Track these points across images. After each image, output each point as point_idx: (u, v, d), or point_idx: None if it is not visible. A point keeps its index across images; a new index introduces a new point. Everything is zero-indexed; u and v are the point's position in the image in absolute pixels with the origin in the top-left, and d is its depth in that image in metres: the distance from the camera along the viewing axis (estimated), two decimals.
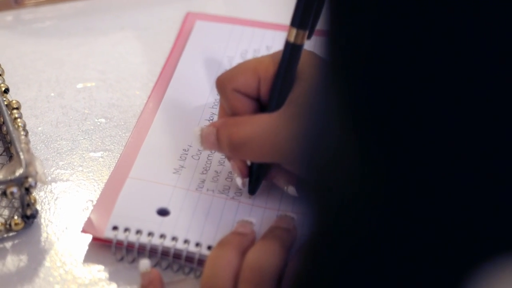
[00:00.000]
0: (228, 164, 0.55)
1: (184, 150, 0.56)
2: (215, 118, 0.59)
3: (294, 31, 0.48)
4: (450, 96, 0.24)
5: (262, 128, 0.48)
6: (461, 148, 0.24)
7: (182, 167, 0.55)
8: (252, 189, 0.52)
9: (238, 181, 0.52)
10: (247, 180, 0.52)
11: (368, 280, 0.28)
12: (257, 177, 0.52)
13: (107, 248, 0.50)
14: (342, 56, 0.26)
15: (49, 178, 0.55)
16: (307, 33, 0.48)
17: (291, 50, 0.48)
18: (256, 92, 0.50)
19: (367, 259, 0.27)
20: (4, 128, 0.54)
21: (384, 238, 0.26)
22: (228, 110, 0.50)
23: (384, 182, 0.26)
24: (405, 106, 0.25)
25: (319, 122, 0.29)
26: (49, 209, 0.52)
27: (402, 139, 0.25)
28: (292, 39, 0.48)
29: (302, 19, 0.48)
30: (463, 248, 0.25)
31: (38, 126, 0.59)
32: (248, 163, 0.52)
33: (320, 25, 0.45)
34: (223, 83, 0.50)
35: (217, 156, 0.56)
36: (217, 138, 0.49)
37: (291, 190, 0.51)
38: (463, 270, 0.25)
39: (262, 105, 0.50)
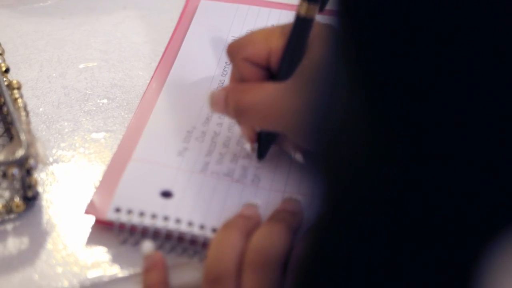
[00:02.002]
0: (232, 147, 0.54)
1: (188, 131, 0.55)
2: None
3: (305, 4, 0.47)
4: (461, 60, 0.23)
5: (268, 96, 0.49)
6: (476, 112, 0.23)
7: (186, 149, 0.54)
8: (261, 154, 0.53)
9: (247, 146, 0.53)
10: (256, 145, 0.53)
11: (380, 262, 0.27)
12: (265, 142, 0.52)
13: (109, 230, 0.49)
14: (352, 24, 0.25)
15: (51, 159, 0.54)
16: (318, 6, 0.48)
17: (302, 23, 0.48)
18: (266, 62, 0.50)
19: (379, 238, 0.26)
20: (5, 109, 0.53)
21: (397, 216, 0.26)
22: (238, 77, 0.51)
23: (396, 152, 0.25)
24: (415, 73, 0.24)
25: (327, 94, 0.28)
26: (51, 190, 0.52)
27: (414, 106, 0.24)
28: (303, 12, 0.48)
29: None
30: (479, 221, 0.24)
31: (40, 107, 0.58)
32: (257, 128, 0.52)
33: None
34: (234, 51, 0.51)
35: (222, 138, 0.55)
36: (226, 103, 0.50)
37: (298, 157, 0.52)
38: (480, 243, 0.24)
39: (272, 74, 0.50)
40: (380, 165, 0.25)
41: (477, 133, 0.23)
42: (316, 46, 0.48)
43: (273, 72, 0.50)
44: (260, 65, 0.50)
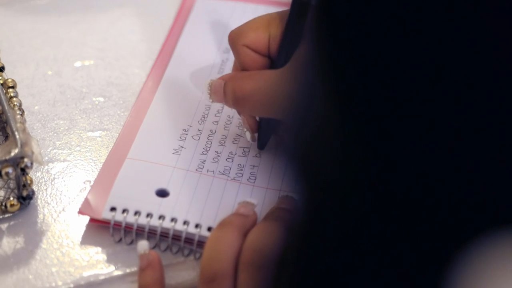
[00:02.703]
0: (228, 145, 0.54)
1: (184, 130, 0.55)
2: None
3: None
4: (434, 72, 0.23)
5: (264, 83, 0.48)
6: (447, 122, 0.23)
7: (182, 147, 0.53)
8: (261, 144, 0.53)
9: (247, 135, 0.53)
10: (256, 134, 0.53)
11: (358, 260, 0.27)
12: (266, 131, 0.52)
13: (105, 230, 0.48)
14: (327, 37, 0.25)
15: (46, 158, 0.54)
16: None
17: (298, 7, 0.47)
18: (266, 48, 0.50)
19: (355, 239, 0.26)
20: (0, 108, 0.53)
21: (371, 219, 0.25)
22: (239, 65, 0.51)
23: (368, 161, 0.25)
24: (390, 87, 0.24)
25: (307, 92, 0.28)
26: (46, 190, 0.51)
27: (387, 119, 0.24)
28: None
29: None
30: (455, 223, 0.24)
31: (35, 105, 0.58)
32: (257, 118, 0.52)
33: None
34: (234, 38, 0.51)
35: (218, 136, 0.55)
36: (224, 92, 0.50)
37: None
38: (456, 245, 0.24)
39: (273, 62, 0.50)
40: (352, 178, 0.25)
41: (450, 141, 0.23)
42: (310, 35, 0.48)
43: (273, 60, 0.50)
44: (260, 52, 0.50)
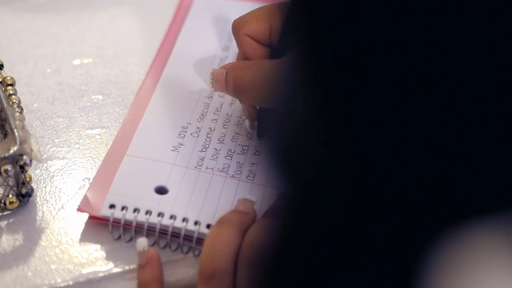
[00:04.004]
0: (227, 142, 0.54)
1: (183, 127, 0.55)
2: (215, 95, 0.58)
3: None
4: (412, 67, 0.23)
5: (262, 74, 0.49)
6: (423, 117, 0.23)
7: (181, 144, 0.53)
8: (261, 132, 0.54)
9: (247, 123, 0.54)
10: (256, 123, 0.54)
11: (339, 260, 0.27)
12: (265, 120, 0.53)
13: (104, 227, 0.48)
14: (308, 34, 0.26)
15: (45, 156, 0.54)
16: None
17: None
18: (267, 39, 0.50)
19: (338, 233, 0.27)
20: None
21: (351, 213, 0.26)
22: (241, 54, 0.52)
23: (348, 157, 0.25)
24: (369, 83, 0.24)
25: (291, 87, 0.28)
26: (45, 187, 0.51)
27: (365, 115, 0.25)
28: None
29: None
30: (426, 216, 0.24)
31: (34, 103, 0.58)
32: (257, 106, 0.53)
33: None
34: (237, 27, 0.51)
35: (217, 134, 0.55)
36: (225, 80, 0.51)
37: None
38: (427, 237, 0.25)
39: (274, 52, 0.51)
40: (334, 166, 0.26)
41: (427, 135, 0.24)
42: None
43: (274, 50, 0.51)
44: (262, 42, 0.50)
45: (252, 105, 0.53)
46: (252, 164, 0.53)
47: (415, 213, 0.25)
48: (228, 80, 0.50)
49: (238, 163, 0.53)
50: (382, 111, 0.24)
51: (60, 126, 0.56)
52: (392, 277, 0.26)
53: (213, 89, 0.52)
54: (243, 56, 0.52)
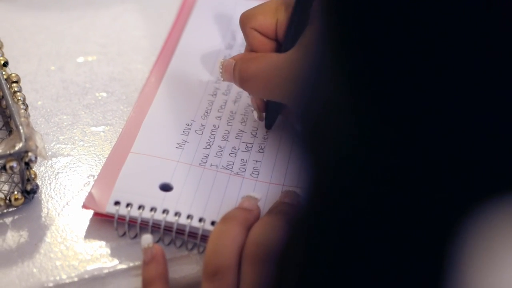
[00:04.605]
0: (232, 140, 0.54)
1: (187, 124, 0.55)
2: (219, 93, 0.58)
3: None
4: (443, 51, 0.23)
5: (269, 66, 0.50)
6: (457, 93, 0.23)
7: (185, 141, 0.54)
8: (268, 124, 0.55)
9: (255, 114, 0.55)
10: (263, 114, 0.54)
11: (365, 249, 0.27)
12: (272, 112, 0.54)
13: (108, 224, 0.49)
14: (336, 16, 0.26)
15: (50, 153, 0.54)
16: None
17: None
18: (274, 32, 0.51)
19: (366, 223, 0.26)
20: (4, 102, 0.53)
21: (381, 203, 0.26)
22: (249, 47, 0.52)
23: (378, 142, 0.25)
24: (399, 63, 0.24)
25: (315, 72, 0.28)
26: (50, 184, 0.52)
27: (396, 99, 0.25)
28: None
29: None
30: (460, 189, 0.25)
31: (38, 100, 0.58)
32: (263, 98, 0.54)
33: None
34: (244, 21, 0.52)
35: (221, 131, 0.55)
36: (233, 71, 0.52)
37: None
38: (462, 211, 0.25)
39: (280, 46, 0.52)
40: (364, 152, 0.26)
41: (459, 119, 0.24)
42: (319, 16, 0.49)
43: (280, 43, 0.51)
44: (268, 35, 0.51)
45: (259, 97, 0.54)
46: (256, 161, 0.53)
47: (444, 194, 0.25)
48: (235, 71, 0.51)
49: (242, 160, 0.53)
50: (415, 89, 0.24)
51: (65, 123, 0.56)
52: (423, 272, 0.26)
53: (222, 79, 0.53)
54: (249, 48, 0.52)
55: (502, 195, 0.24)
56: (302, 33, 0.49)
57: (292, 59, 0.49)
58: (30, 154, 0.47)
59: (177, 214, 0.48)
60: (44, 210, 0.50)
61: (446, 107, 0.24)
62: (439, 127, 0.24)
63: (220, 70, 0.53)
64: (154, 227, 0.48)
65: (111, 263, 0.47)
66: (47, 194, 0.51)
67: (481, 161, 0.24)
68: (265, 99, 0.54)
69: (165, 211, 0.48)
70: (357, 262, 0.27)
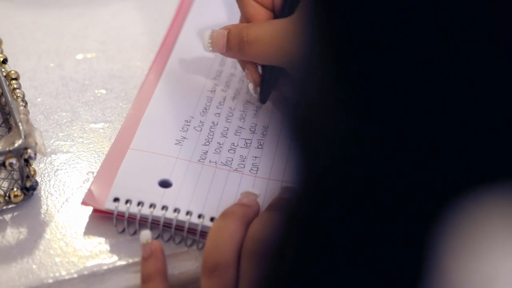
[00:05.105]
0: (230, 136, 0.54)
1: (186, 121, 0.55)
2: (218, 89, 0.58)
3: None
4: (431, 47, 0.23)
5: (271, 30, 0.51)
6: (436, 88, 0.24)
7: (184, 138, 0.54)
8: (263, 98, 0.55)
9: (250, 86, 0.55)
10: (258, 89, 0.55)
11: (356, 240, 0.27)
12: (268, 85, 0.54)
13: (108, 220, 0.49)
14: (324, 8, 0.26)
15: (49, 149, 0.54)
16: None
17: None
18: (271, 3, 0.52)
19: (354, 216, 0.27)
20: (3, 99, 0.53)
21: (374, 187, 0.26)
22: (244, 18, 0.53)
23: (368, 138, 0.25)
24: (389, 62, 0.24)
25: (306, 60, 0.28)
26: (49, 180, 0.52)
27: (385, 94, 0.25)
28: None
29: None
30: (440, 182, 0.25)
31: (38, 97, 0.58)
32: (260, 71, 0.54)
33: None
34: None
35: (220, 128, 0.55)
36: (228, 39, 0.52)
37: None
38: (442, 204, 0.25)
39: (277, 17, 0.52)
40: (353, 145, 0.26)
41: (440, 113, 0.24)
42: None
43: (277, 14, 0.52)
44: (265, 5, 0.52)
45: (255, 69, 0.54)
46: (255, 157, 0.53)
47: (425, 185, 0.25)
48: (231, 38, 0.52)
49: (241, 156, 0.53)
50: (405, 82, 0.24)
51: (64, 120, 0.56)
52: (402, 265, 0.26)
53: (210, 50, 0.53)
54: (245, 19, 0.53)
55: (481, 188, 0.24)
56: (298, 2, 0.50)
57: (293, 23, 0.49)
58: (29, 151, 0.47)
59: (176, 210, 0.48)
60: (44, 207, 0.50)
61: (429, 102, 0.24)
62: (422, 122, 0.24)
63: (209, 41, 0.53)
64: (153, 224, 0.48)
65: (110, 260, 0.47)
66: (47, 190, 0.51)
67: (460, 154, 0.24)
68: (260, 73, 0.54)
69: (164, 208, 0.48)
70: (345, 256, 0.28)
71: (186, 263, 0.48)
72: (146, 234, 0.46)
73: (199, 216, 0.48)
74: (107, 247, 0.48)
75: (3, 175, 0.51)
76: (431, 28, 0.23)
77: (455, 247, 0.24)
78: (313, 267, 0.29)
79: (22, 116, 0.49)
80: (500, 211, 0.24)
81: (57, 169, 0.52)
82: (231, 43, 0.52)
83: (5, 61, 0.55)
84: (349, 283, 0.28)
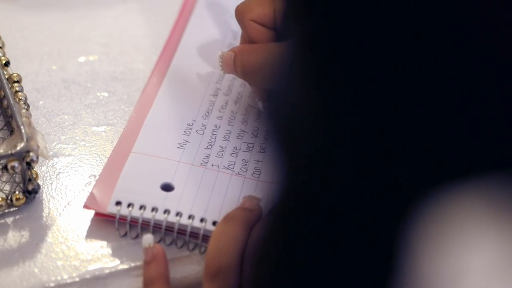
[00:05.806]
0: (233, 140, 0.54)
1: (189, 124, 0.55)
2: (220, 93, 0.58)
3: None
4: (410, 48, 0.24)
5: (269, 56, 0.51)
6: (417, 90, 0.24)
7: (187, 141, 0.54)
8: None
9: (260, 104, 0.55)
10: (267, 104, 0.55)
11: (339, 243, 0.27)
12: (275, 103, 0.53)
13: (110, 224, 0.49)
14: (304, 12, 0.26)
15: (51, 152, 0.54)
16: None
17: None
18: (272, 22, 0.52)
19: (339, 209, 0.27)
20: (5, 102, 0.53)
21: (353, 187, 0.26)
22: (247, 38, 0.53)
23: (347, 140, 0.26)
24: (369, 65, 0.25)
25: (289, 67, 0.29)
26: (51, 184, 0.52)
27: (364, 92, 0.25)
28: None
29: None
30: (412, 178, 0.25)
31: (40, 100, 0.58)
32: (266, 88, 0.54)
33: None
34: (241, 13, 0.53)
35: (222, 131, 0.55)
36: (234, 64, 0.52)
37: None
38: (411, 200, 0.25)
39: (279, 34, 0.52)
40: (330, 157, 0.26)
41: (414, 111, 0.25)
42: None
43: (279, 32, 0.52)
44: (266, 25, 0.52)
45: (261, 87, 0.54)
46: (258, 161, 0.53)
47: (397, 182, 0.25)
48: (236, 63, 0.52)
49: (244, 160, 0.53)
50: (381, 86, 0.25)
51: (66, 123, 0.56)
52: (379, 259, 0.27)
53: (222, 72, 0.53)
54: (248, 40, 0.53)
55: (451, 184, 0.24)
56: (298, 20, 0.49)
57: (291, 47, 0.49)
58: (31, 154, 0.47)
59: (178, 214, 0.48)
60: (46, 210, 0.50)
61: (403, 101, 0.24)
62: (395, 121, 0.25)
63: (220, 63, 0.53)
64: (156, 227, 0.48)
65: (112, 263, 0.47)
66: (49, 194, 0.51)
67: (431, 151, 0.24)
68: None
69: (166, 211, 0.48)
70: (327, 256, 0.28)
71: (188, 267, 0.48)
72: (148, 238, 0.46)
73: (201, 220, 0.48)
74: (109, 250, 0.48)
75: (5, 178, 0.50)
76: (407, 33, 0.24)
77: (425, 243, 0.25)
78: (295, 269, 0.29)
79: (24, 119, 0.49)
80: (470, 207, 0.24)
81: (59, 172, 0.52)
82: (237, 68, 0.52)
83: (7, 63, 0.55)
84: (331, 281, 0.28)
